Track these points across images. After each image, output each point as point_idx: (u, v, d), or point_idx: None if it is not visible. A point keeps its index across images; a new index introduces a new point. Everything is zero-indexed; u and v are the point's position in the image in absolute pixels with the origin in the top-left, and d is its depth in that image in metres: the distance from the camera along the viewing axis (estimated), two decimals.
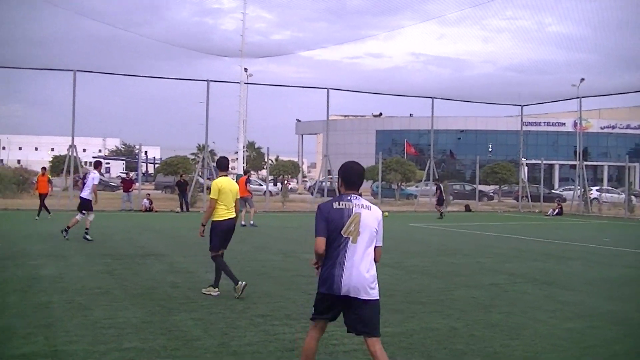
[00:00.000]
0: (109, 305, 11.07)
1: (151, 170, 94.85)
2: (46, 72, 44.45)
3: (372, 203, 6.90)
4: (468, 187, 69.67)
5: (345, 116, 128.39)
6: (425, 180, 52.64)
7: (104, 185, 59.50)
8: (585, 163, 54.84)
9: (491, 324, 10.42)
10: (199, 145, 69.54)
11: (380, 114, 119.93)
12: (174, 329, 9.53)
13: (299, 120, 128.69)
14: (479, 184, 58.98)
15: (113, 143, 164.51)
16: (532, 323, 10.55)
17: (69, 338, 8.84)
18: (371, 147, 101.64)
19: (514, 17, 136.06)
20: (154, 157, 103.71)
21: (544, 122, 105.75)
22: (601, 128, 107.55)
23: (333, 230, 6.54)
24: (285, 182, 72.23)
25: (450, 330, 9.94)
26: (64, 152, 48.88)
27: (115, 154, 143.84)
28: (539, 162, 64.21)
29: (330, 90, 47.69)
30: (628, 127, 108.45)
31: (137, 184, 45.82)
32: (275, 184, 73.31)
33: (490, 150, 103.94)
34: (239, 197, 12.99)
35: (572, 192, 56.49)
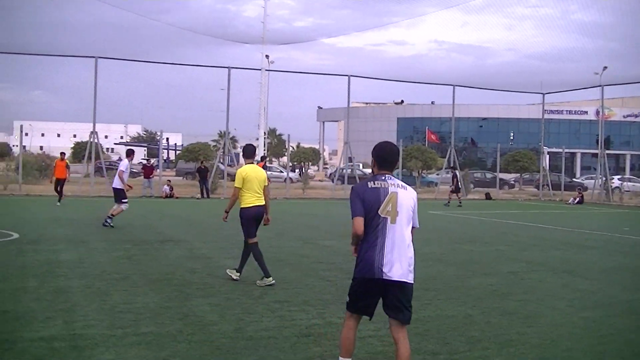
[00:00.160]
0: (127, 290, 11.16)
1: (172, 156, 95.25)
2: (69, 59, 44.72)
3: None
4: (489, 175, 69.42)
5: (366, 103, 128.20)
6: (445, 168, 52.50)
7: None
8: (607, 152, 54.65)
9: (507, 311, 10.41)
10: (220, 132, 69.81)
11: (402, 101, 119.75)
12: (191, 314, 9.60)
13: (320, 108, 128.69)
14: (500, 172, 58.74)
15: (135, 130, 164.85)
16: (549, 311, 10.54)
17: (88, 322, 8.93)
18: (392, 135, 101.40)
19: (538, 4, 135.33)
20: (175, 144, 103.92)
21: (566, 111, 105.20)
22: (624, 117, 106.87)
23: (369, 211, 6.31)
24: (303, 169, 72.27)
25: (465, 317, 9.95)
26: (85, 138, 49.15)
27: (136, 141, 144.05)
28: (561, 150, 63.91)
29: (351, 77, 47.64)
30: None
31: (157, 170, 46.00)
32: (293, 170, 73.45)
33: (511, 138, 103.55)
34: (267, 183, 12.73)
35: (593, 180, 56.15)
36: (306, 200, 43.58)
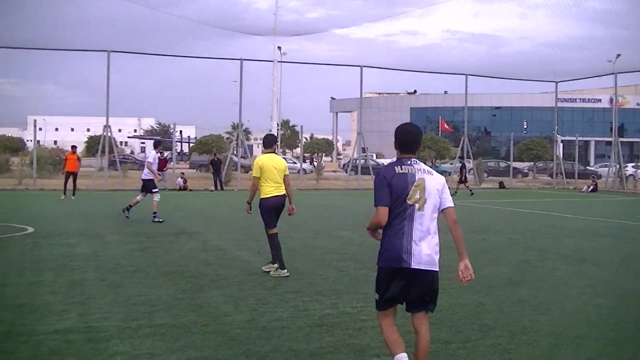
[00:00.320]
0: (141, 282, 11.24)
1: (186, 149, 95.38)
2: (82, 54, 44.90)
3: None
4: (502, 164, 69.31)
5: (379, 94, 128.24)
6: (459, 158, 52.49)
7: (139, 165, 59.87)
8: (621, 139, 54.37)
9: (520, 299, 10.42)
10: (233, 124, 69.83)
11: (415, 91, 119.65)
12: (205, 305, 9.66)
13: (333, 98, 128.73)
14: (514, 160, 58.65)
15: (148, 123, 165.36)
16: (562, 299, 10.54)
17: (102, 314, 9.00)
18: None
19: None
20: (189, 136, 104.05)
21: (580, 99, 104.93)
22: (638, 104, 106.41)
23: (397, 197, 6.02)
24: (314, 160, 72.28)
25: (478, 305, 9.98)
26: (99, 132, 49.30)
27: (150, 134, 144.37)
28: (574, 138, 63.73)
29: (364, 68, 47.56)
30: None
31: (171, 163, 46.11)
32: (304, 161, 73.51)
33: (525, 127, 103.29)
34: (287, 173, 12.51)
35: (607, 168, 55.94)
36: (320, 191, 43.59)
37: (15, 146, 58.62)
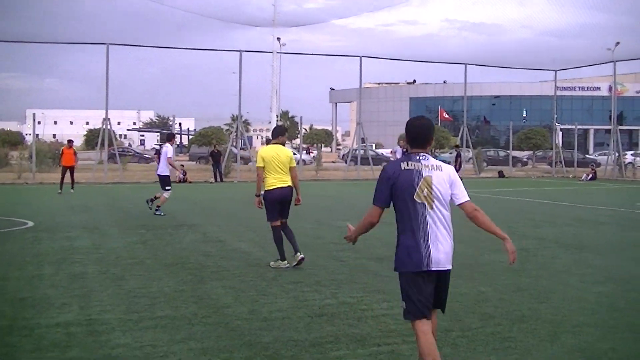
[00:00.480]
0: (142, 275, 11.27)
1: (185, 141, 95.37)
2: (80, 46, 44.90)
3: None
4: (502, 153, 69.34)
5: (378, 84, 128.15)
6: (455, 146, 52.44)
7: (138, 158, 59.87)
8: (620, 127, 54.39)
9: (520, 288, 10.46)
10: (233, 116, 69.76)
11: (414, 81, 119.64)
12: (205, 297, 9.70)
13: (332, 89, 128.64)
14: (513, 149, 58.70)
15: (147, 115, 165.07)
16: (561, 287, 10.58)
17: (103, 307, 9.04)
18: (405, 115, 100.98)
19: None
20: (188, 129, 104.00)
21: (579, 87, 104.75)
22: (637, 92, 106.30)
23: (403, 196, 5.82)
24: (311, 151, 72.24)
25: (478, 294, 10.01)
26: (98, 125, 49.25)
27: (149, 126, 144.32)
28: (574, 127, 63.72)
29: (363, 58, 47.52)
30: None
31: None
32: (307, 152, 73.49)
33: (524, 115, 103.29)
34: (293, 164, 12.34)
35: (606, 157, 55.94)
36: (319, 181, 43.59)
37: (14, 140, 58.42)
